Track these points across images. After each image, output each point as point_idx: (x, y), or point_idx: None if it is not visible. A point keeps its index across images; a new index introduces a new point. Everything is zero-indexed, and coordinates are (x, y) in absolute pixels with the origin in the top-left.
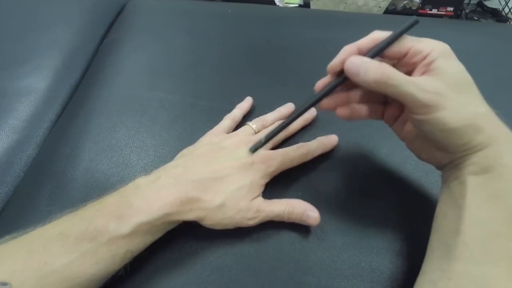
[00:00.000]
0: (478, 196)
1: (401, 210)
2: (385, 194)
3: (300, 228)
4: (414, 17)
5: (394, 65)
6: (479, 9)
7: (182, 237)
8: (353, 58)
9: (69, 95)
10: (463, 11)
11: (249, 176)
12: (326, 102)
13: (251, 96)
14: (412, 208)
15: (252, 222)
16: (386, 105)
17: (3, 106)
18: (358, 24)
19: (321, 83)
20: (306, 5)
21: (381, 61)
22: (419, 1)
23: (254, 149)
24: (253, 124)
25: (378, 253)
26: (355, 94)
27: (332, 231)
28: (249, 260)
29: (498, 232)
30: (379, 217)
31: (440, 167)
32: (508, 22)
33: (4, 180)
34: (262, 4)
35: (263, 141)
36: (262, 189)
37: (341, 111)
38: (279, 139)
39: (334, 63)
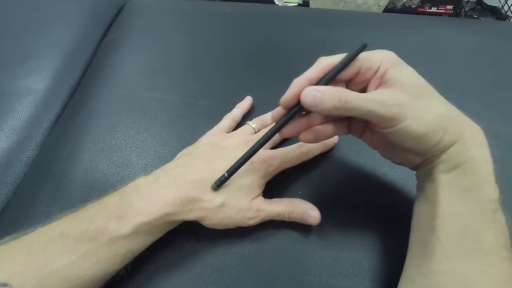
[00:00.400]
0: (449, 192)
1: (403, 208)
2: (386, 193)
3: (300, 227)
4: (363, 42)
5: (347, 85)
6: (478, 7)
7: (182, 237)
8: (307, 90)
9: (69, 95)
10: (463, 9)
11: (249, 176)
12: (287, 131)
13: (251, 95)
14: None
15: (252, 222)
16: (350, 120)
17: (3, 106)
18: (358, 23)
19: (276, 114)
20: (305, 4)
21: (333, 85)
22: (418, 0)
23: (217, 186)
24: (253, 124)
25: (379, 252)
26: (316, 117)
27: (333, 230)
28: (250, 259)
29: (469, 225)
30: (380, 215)
31: (414, 168)
32: (507, 20)
33: (4, 181)
34: (261, 4)
35: (226, 175)
36: (262, 188)
37: (305, 136)
38: (278, 138)
39: (286, 98)
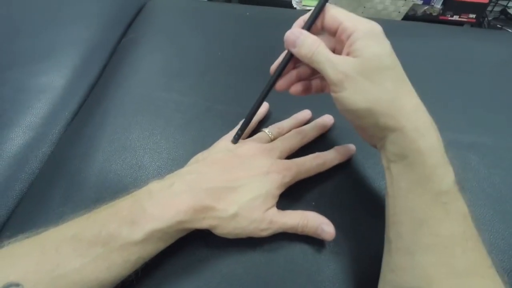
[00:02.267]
0: (401, 185)
1: None
2: None
3: (313, 239)
4: None
5: (335, 41)
6: (502, 16)
7: (193, 243)
8: (293, 29)
9: (86, 94)
10: (486, 18)
11: (264, 186)
12: (280, 84)
13: (267, 101)
14: None
15: (265, 233)
16: None
17: (22, 102)
18: None
19: (274, 65)
20: None
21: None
22: (440, 7)
23: (235, 140)
24: (269, 131)
25: None
26: (305, 71)
27: (347, 244)
28: (260, 269)
29: (424, 219)
30: None
31: (375, 147)
32: None
33: (19, 177)
34: (280, 8)
35: (239, 132)
36: (276, 199)
37: (294, 88)
38: (294, 148)
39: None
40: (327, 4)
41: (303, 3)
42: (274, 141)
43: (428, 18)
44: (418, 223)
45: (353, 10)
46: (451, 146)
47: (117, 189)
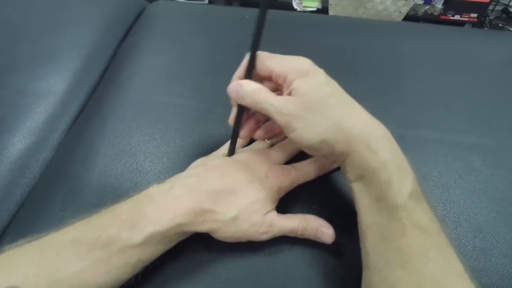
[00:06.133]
0: (365, 202)
1: None
2: None
3: (313, 243)
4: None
5: (274, 85)
6: (504, 15)
7: (193, 247)
8: (233, 83)
9: (87, 98)
10: (487, 18)
11: (263, 190)
12: (244, 132)
13: None
14: None
15: (264, 237)
16: None
17: (22, 107)
18: (378, 31)
19: (231, 118)
20: (324, 9)
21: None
22: (441, 7)
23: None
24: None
25: None
26: (260, 115)
27: (347, 247)
28: (260, 274)
29: (386, 234)
30: None
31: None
32: None
33: (20, 182)
34: (280, 10)
35: (231, 148)
36: (275, 203)
37: (257, 133)
38: (293, 153)
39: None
40: (258, 53)
41: (304, 4)
42: (272, 147)
43: (429, 18)
44: (381, 239)
45: (354, 10)
46: (452, 147)
47: (118, 194)
